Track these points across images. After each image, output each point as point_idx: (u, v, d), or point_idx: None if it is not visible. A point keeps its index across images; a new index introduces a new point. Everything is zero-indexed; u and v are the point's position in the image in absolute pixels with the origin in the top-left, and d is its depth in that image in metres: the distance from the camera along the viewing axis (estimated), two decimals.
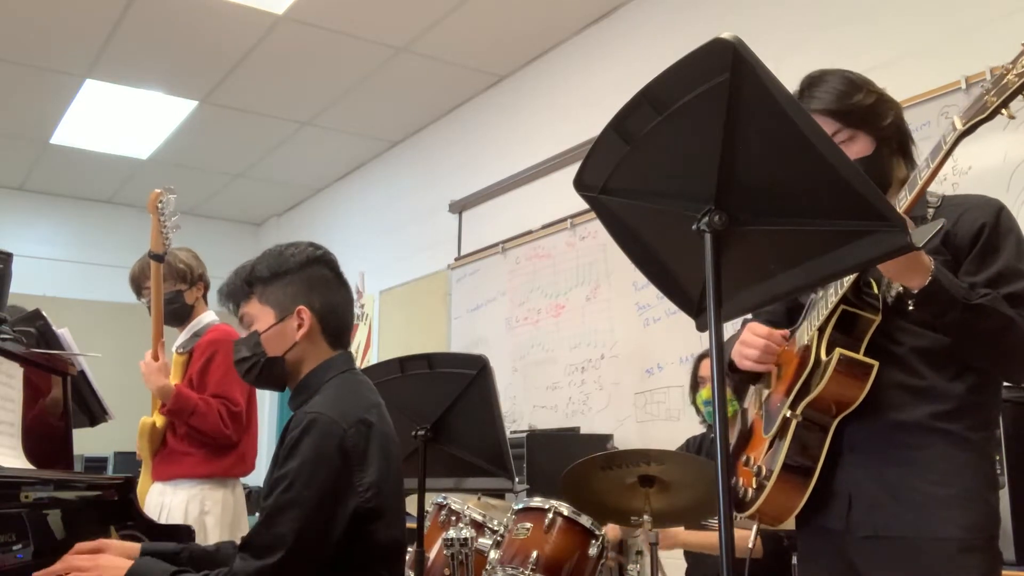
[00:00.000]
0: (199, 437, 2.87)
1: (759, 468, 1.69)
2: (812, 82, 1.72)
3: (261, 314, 1.79)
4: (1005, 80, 1.40)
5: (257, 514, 1.64)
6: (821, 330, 1.62)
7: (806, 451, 1.61)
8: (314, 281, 1.81)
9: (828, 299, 1.64)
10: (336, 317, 1.83)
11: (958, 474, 1.53)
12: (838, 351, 1.55)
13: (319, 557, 1.58)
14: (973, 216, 1.58)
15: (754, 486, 1.69)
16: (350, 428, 1.63)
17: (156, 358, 2.84)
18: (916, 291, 1.47)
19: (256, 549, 1.56)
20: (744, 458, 1.79)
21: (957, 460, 1.54)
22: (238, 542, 1.90)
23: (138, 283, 3.06)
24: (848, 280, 1.59)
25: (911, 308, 1.51)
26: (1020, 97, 1.41)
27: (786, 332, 1.73)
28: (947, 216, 1.60)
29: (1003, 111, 1.41)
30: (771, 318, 1.87)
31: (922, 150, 1.74)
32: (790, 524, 1.76)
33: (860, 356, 1.56)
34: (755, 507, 1.66)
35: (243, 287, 1.82)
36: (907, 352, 1.59)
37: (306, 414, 1.64)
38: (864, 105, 1.64)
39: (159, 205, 2.74)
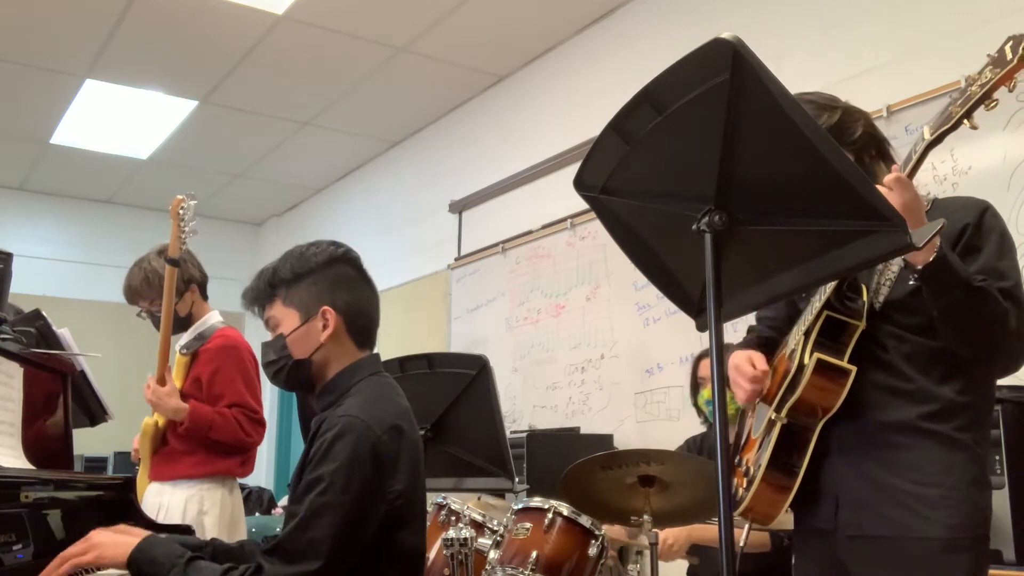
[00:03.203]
0: (213, 444, 2.86)
1: (747, 468, 1.72)
2: None
3: (286, 317, 1.76)
4: (968, 91, 1.42)
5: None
6: (807, 334, 1.63)
7: (790, 451, 1.63)
8: (338, 280, 1.78)
9: (814, 304, 1.65)
10: (362, 317, 1.80)
11: (944, 474, 1.54)
12: (816, 356, 1.57)
13: (351, 563, 1.55)
14: (957, 217, 1.59)
15: (744, 485, 1.71)
16: (384, 434, 1.60)
17: (163, 382, 2.82)
18: (921, 267, 1.46)
19: (288, 554, 1.51)
20: (737, 459, 1.81)
21: (944, 460, 1.55)
22: (234, 542, 1.89)
23: (137, 294, 3.01)
24: (830, 285, 1.60)
25: (912, 283, 1.50)
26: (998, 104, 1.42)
27: (767, 370, 1.73)
28: (934, 216, 1.60)
29: (966, 121, 1.42)
30: (772, 323, 1.88)
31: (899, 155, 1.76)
32: (787, 524, 1.77)
33: (837, 361, 1.57)
34: (743, 506, 1.68)
35: (266, 290, 1.78)
36: (893, 356, 1.60)
37: (340, 417, 1.60)
38: (831, 124, 1.63)
39: (180, 211, 2.75)
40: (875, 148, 1.69)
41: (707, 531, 2.68)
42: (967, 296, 1.47)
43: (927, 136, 1.46)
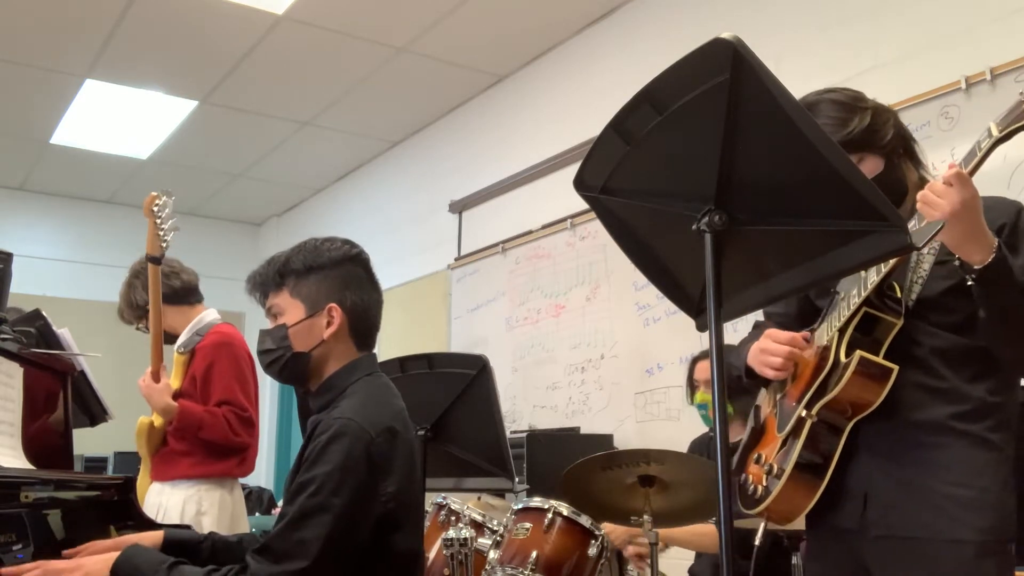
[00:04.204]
0: (210, 445, 2.86)
1: (771, 466, 1.67)
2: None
3: (291, 307, 1.75)
4: None
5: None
6: (842, 331, 1.60)
7: (820, 451, 1.60)
8: (348, 279, 1.79)
9: (850, 300, 1.62)
10: (366, 318, 1.80)
11: (976, 475, 1.51)
12: (859, 353, 1.53)
13: (341, 566, 1.55)
14: (992, 217, 1.54)
15: (764, 484, 1.67)
16: (378, 436, 1.60)
17: (157, 379, 2.82)
18: (979, 267, 1.43)
19: (275, 553, 1.52)
20: (755, 455, 1.77)
21: (975, 461, 1.52)
22: (233, 535, 1.89)
23: (124, 319, 3.11)
24: (872, 282, 1.58)
25: (970, 284, 1.47)
26: None
27: (807, 334, 1.71)
28: None
29: None
30: (781, 320, 1.84)
31: (924, 150, 1.73)
32: (799, 524, 1.75)
33: (880, 360, 1.54)
34: (764, 505, 1.64)
35: (275, 277, 1.78)
36: (926, 353, 1.58)
37: (335, 420, 1.60)
38: (863, 128, 1.60)
39: (155, 208, 2.74)
40: (903, 147, 1.66)
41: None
42: (1022, 300, 1.44)
43: (995, 132, 1.41)
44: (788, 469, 1.60)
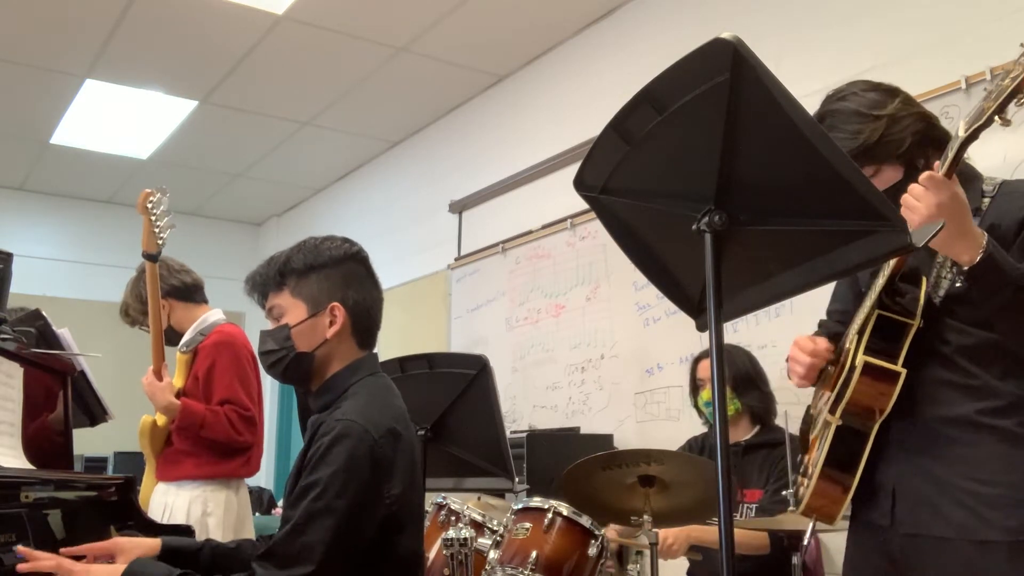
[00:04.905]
0: (214, 445, 2.86)
1: (806, 467, 1.72)
2: (822, 118, 1.67)
3: (293, 307, 1.75)
4: (1000, 85, 1.38)
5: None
6: (860, 333, 1.61)
7: (846, 452, 1.61)
8: (349, 278, 1.78)
9: (865, 302, 1.62)
10: (368, 317, 1.80)
11: (1006, 472, 1.50)
12: (862, 358, 1.54)
13: (346, 567, 1.54)
14: (1019, 203, 1.54)
15: (805, 485, 1.71)
16: (381, 438, 1.59)
17: (160, 377, 2.82)
18: (967, 268, 1.43)
19: (281, 558, 1.50)
20: (799, 458, 1.81)
21: (1007, 457, 1.51)
22: (231, 541, 1.88)
23: (129, 318, 3.11)
24: (879, 285, 1.58)
25: (958, 285, 1.47)
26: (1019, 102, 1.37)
27: (831, 347, 1.73)
28: (999, 203, 1.57)
29: (998, 117, 1.38)
30: (842, 318, 1.84)
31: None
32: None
33: (884, 364, 1.54)
34: (803, 505, 1.67)
35: (276, 277, 1.77)
36: (954, 350, 1.57)
37: (337, 421, 1.59)
38: (873, 141, 1.60)
39: (149, 205, 2.74)
40: (934, 147, 1.63)
41: (707, 532, 2.67)
42: (1020, 296, 1.43)
43: (960, 133, 1.42)
44: (817, 469, 1.63)
